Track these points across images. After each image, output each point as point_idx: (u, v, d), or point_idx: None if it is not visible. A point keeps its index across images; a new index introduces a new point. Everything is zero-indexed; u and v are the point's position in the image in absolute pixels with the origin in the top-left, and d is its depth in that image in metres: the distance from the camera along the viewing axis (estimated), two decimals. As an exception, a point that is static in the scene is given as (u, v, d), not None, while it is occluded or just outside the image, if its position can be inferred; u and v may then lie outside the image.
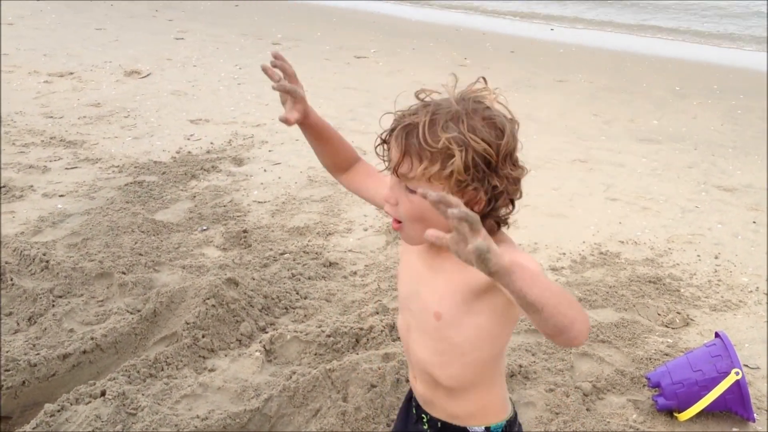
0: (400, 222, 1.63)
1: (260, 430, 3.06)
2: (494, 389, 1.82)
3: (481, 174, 1.51)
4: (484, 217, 1.56)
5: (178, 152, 6.44)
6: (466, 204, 1.46)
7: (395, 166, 1.55)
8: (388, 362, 3.27)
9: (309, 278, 4.29)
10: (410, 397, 1.98)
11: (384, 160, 1.59)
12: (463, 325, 1.64)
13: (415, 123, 1.51)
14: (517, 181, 1.58)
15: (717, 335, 3.30)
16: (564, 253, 4.71)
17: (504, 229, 1.66)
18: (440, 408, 1.83)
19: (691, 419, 3.15)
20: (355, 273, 4.41)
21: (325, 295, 4.10)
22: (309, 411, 3.11)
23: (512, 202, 1.61)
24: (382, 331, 3.61)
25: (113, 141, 6.71)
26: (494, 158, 1.51)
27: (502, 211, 1.61)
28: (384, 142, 1.60)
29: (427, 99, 1.60)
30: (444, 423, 1.83)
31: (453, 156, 1.48)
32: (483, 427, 1.77)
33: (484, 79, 1.63)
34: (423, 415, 1.88)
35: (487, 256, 1.22)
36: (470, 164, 1.49)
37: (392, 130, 1.57)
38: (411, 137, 1.51)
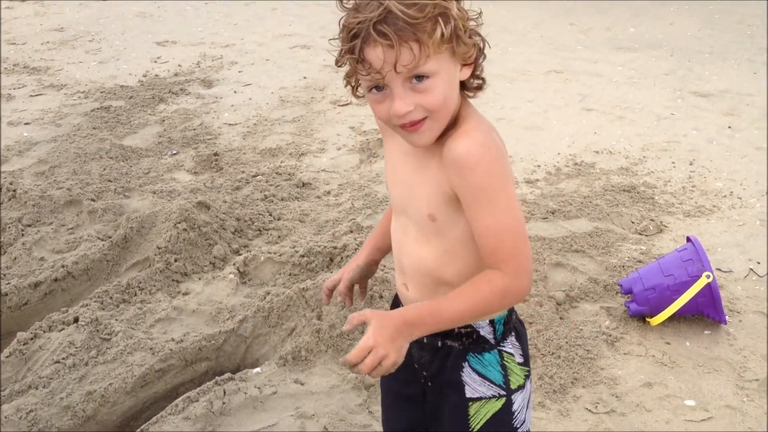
0: (423, 119, 1.44)
1: (236, 350, 3.06)
2: None
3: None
4: (477, 66, 1.48)
5: (145, 76, 6.28)
6: (468, 64, 1.45)
7: (395, 63, 1.35)
8: (362, 279, 3.25)
9: (282, 199, 4.25)
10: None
11: (355, 83, 1.41)
12: (459, 222, 1.54)
13: (386, 9, 1.33)
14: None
15: (688, 240, 3.31)
16: (539, 165, 4.68)
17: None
18: None
19: (663, 323, 3.19)
20: (328, 193, 4.37)
21: (299, 216, 4.07)
22: (284, 330, 3.11)
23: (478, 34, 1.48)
24: (355, 249, 3.59)
25: (78, 66, 6.53)
26: None
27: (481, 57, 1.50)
28: (358, 61, 1.39)
29: None
30: None
31: (445, 12, 1.34)
32: (487, 320, 1.65)
33: None
34: None
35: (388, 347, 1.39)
36: (462, 7, 1.37)
37: (358, 36, 1.37)
38: (395, 24, 1.32)
